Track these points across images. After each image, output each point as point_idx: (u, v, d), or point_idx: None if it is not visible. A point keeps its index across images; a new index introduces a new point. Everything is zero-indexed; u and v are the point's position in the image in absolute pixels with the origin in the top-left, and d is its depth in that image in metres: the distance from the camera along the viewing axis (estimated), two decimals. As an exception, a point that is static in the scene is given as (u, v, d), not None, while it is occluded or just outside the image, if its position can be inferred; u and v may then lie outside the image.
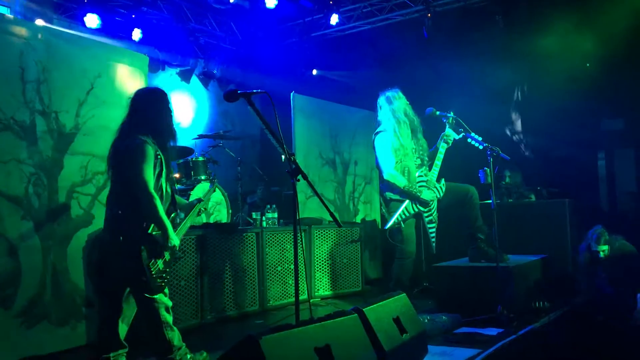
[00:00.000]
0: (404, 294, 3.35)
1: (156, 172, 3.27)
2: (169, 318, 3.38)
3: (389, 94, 5.17)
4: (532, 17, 7.80)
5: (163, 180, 3.33)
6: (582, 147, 8.53)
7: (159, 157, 3.30)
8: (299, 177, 2.96)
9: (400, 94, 5.16)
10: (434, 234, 5.09)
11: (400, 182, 4.88)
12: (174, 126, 3.48)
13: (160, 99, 3.46)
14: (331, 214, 2.99)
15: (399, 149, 4.98)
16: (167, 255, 3.29)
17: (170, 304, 3.43)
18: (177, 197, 3.75)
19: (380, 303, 3.01)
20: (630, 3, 7.13)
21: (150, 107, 3.39)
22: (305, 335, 2.43)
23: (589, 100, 7.76)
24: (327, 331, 2.51)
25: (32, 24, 5.17)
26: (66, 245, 4.34)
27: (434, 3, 7.91)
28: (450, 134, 5.07)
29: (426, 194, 4.93)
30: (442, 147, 5.07)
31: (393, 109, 5.09)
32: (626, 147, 9.11)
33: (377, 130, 5.17)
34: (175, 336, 3.39)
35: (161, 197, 3.30)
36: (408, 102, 5.13)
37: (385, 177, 4.96)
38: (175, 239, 3.27)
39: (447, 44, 7.93)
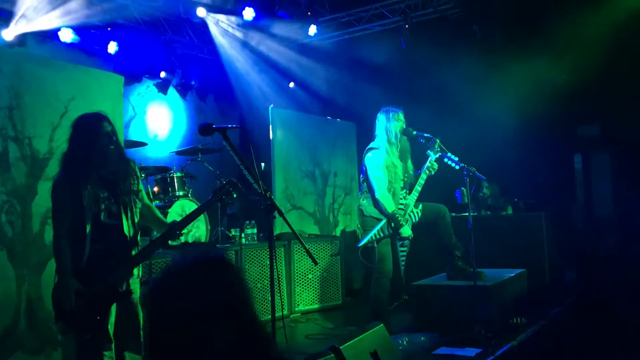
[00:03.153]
0: (382, 324, 3.35)
1: (85, 208, 3.15)
2: None
3: (390, 112, 5.11)
4: (508, 27, 7.86)
5: (89, 217, 3.17)
6: (559, 153, 8.65)
7: (77, 191, 3.15)
8: (275, 213, 2.95)
9: (401, 116, 5.09)
10: (404, 259, 5.09)
11: (390, 206, 4.86)
12: (93, 152, 3.21)
13: (77, 127, 3.27)
14: (307, 252, 2.99)
15: (390, 167, 4.97)
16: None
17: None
18: (156, 215, 3.60)
19: (358, 338, 3.01)
20: (606, 13, 7.22)
21: (70, 139, 3.27)
22: (281, 380, 2.42)
23: (565, 107, 7.85)
24: (303, 374, 2.51)
25: (3, 48, 5.10)
26: (40, 272, 4.28)
27: (412, 14, 7.92)
28: (435, 165, 5.06)
29: (405, 230, 4.90)
30: (425, 174, 5.06)
31: (388, 128, 5.05)
32: (602, 152, 9.27)
33: (370, 146, 5.13)
34: None
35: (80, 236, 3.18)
36: (405, 127, 5.08)
37: (377, 196, 4.92)
38: (64, 279, 3.12)
39: (425, 54, 7.95)
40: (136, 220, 3.39)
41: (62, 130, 4.54)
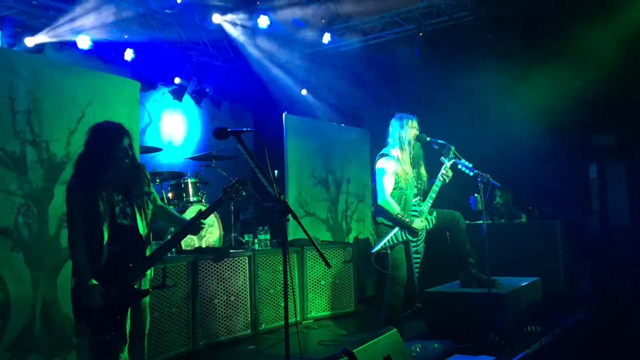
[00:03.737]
0: (395, 329, 3.34)
1: (101, 212, 3.20)
2: None
3: (404, 118, 5.10)
4: (523, 36, 7.83)
5: (105, 220, 3.22)
6: (574, 162, 8.58)
7: (92, 196, 3.20)
8: (289, 216, 2.95)
9: (415, 123, 5.08)
10: (418, 265, 5.07)
11: (393, 209, 4.86)
12: (109, 163, 3.28)
13: (97, 133, 3.32)
14: (320, 255, 2.98)
15: (400, 175, 4.96)
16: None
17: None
18: (172, 214, 3.69)
19: (371, 342, 3.01)
20: (620, 23, 7.19)
21: (88, 142, 3.32)
22: (294, 382, 2.43)
23: (579, 116, 7.80)
24: (316, 376, 2.51)
25: (22, 53, 5.18)
26: (56, 275, 4.31)
27: (426, 22, 7.94)
28: (450, 172, 5.04)
29: (416, 223, 4.91)
30: (439, 181, 5.04)
31: (401, 134, 5.04)
32: (618, 161, 9.18)
33: (381, 152, 5.13)
34: None
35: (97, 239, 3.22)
36: (418, 134, 5.07)
37: (379, 202, 4.94)
38: (85, 281, 3.14)
39: (439, 62, 7.95)
40: (149, 221, 3.45)
41: (79, 134, 4.58)
